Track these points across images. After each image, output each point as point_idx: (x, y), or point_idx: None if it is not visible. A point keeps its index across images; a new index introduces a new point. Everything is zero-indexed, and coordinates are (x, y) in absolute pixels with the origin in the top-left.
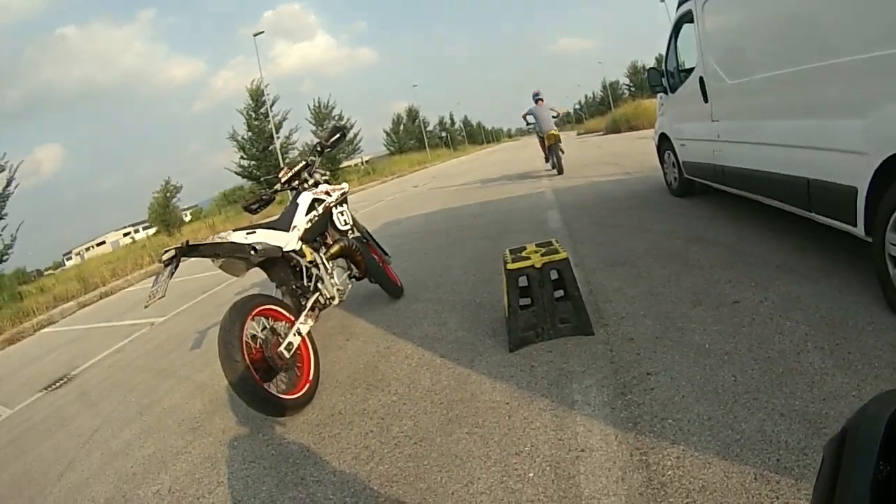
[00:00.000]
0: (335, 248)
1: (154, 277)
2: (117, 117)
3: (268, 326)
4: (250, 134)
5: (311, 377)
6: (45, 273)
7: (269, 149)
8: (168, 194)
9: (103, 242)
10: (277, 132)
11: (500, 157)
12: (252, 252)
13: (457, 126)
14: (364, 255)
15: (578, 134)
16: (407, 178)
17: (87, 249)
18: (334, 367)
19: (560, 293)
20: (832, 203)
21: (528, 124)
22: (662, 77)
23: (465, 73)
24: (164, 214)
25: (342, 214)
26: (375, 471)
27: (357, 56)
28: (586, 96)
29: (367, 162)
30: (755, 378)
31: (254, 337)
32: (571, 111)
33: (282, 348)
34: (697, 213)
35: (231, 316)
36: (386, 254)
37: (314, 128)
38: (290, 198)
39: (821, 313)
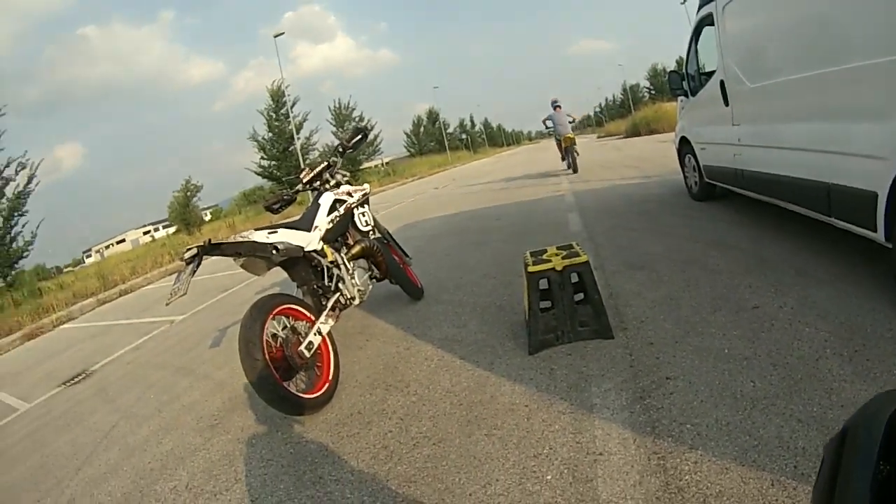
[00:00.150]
0: (356, 249)
1: (176, 275)
2: (138, 117)
3: (288, 325)
4: (271, 134)
5: (330, 377)
6: (65, 270)
7: (290, 149)
8: (188, 193)
9: (123, 240)
10: (298, 133)
11: (521, 159)
12: (274, 251)
13: (477, 128)
14: (385, 256)
15: (599, 137)
16: (427, 179)
17: (107, 247)
18: (354, 367)
19: (580, 296)
20: (852, 208)
21: (547, 128)
22: (683, 80)
23: (486, 74)
24: (185, 213)
25: (363, 215)
26: (394, 471)
27: (377, 57)
28: (606, 99)
29: (387, 163)
30: (774, 384)
31: (274, 336)
32: (591, 114)
33: (302, 347)
34: (717, 217)
35: (252, 314)
36: (406, 255)
37: (335, 129)
38: (312, 198)
39: (840, 319)
